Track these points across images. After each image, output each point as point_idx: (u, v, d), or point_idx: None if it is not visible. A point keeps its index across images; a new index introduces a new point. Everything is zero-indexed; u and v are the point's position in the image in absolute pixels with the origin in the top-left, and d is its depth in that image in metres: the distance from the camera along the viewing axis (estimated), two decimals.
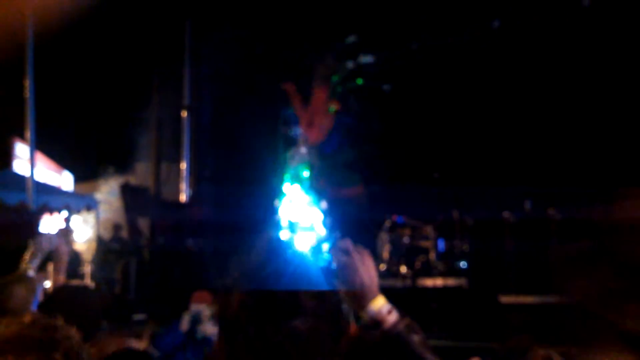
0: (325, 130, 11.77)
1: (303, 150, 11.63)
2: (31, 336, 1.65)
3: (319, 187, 11.26)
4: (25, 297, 3.35)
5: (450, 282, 10.09)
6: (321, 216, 10.26)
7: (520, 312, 8.62)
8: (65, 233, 4.37)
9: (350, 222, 11.37)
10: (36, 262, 4.02)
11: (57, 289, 3.32)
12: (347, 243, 1.65)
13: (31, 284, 3.50)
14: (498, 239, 9.62)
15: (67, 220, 12.81)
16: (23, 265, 3.90)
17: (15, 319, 1.72)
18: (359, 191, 12.46)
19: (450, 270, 10.45)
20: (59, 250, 3.99)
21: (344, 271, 1.60)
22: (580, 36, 10.76)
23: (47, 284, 4.45)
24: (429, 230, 10.89)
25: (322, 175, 11.69)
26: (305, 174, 11.36)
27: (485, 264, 9.83)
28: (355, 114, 12.21)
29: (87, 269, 13.45)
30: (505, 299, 8.96)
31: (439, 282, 10.18)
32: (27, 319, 1.72)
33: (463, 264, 10.45)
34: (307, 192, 10.75)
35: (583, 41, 10.71)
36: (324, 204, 10.16)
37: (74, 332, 1.74)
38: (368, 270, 1.63)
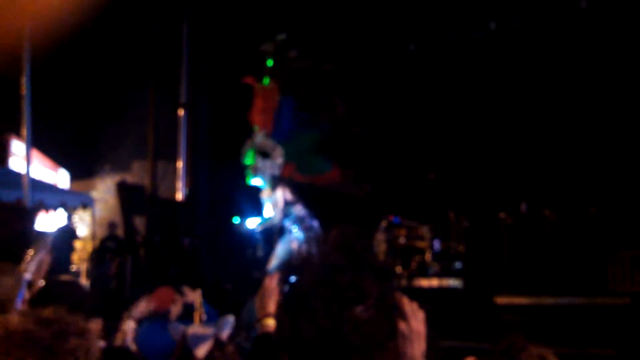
0: (272, 113, 11.62)
1: (257, 139, 11.41)
2: (38, 336, 1.59)
3: (284, 177, 10.98)
4: (13, 287, 3.33)
5: (446, 282, 10.11)
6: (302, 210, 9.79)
7: (515, 312, 8.65)
8: (47, 242, 4.31)
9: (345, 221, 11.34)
10: (33, 264, 4.01)
11: (47, 285, 3.31)
12: (404, 302, 1.56)
13: (18, 275, 3.48)
14: (493, 240, 9.65)
15: (70, 219, 12.81)
16: (22, 267, 3.89)
17: (22, 315, 1.66)
18: (335, 177, 12.30)
19: (446, 271, 10.46)
20: (41, 259, 3.90)
21: (398, 339, 1.51)
22: (577, 38, 10.78)
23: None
24: (425, 230, 10.89)
25: (288, 161, 11.51)
26: (250, 170, 11.08)
27: (481, 265, 9.86)
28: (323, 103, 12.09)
29: (83, 266, 13.45)
30: (500, 300, 8.98)
31: (434, 282, 10.20)
32: (37, 315, 1.65)
33: (458, 265, 10.47)
34: (269, 184, 10.26)
35: (579, 43, 10.73)
36: (287, 195, 9.51)
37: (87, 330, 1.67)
38: (420, 343, 1.54)
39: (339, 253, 1.39)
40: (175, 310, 5.35)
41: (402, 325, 1.50)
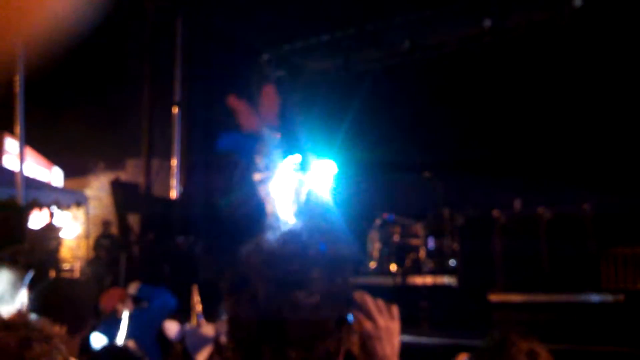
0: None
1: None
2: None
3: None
4: (16, 282, 3.34)
5: (440, 280, 10.12)
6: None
7: (509, 310, 8.67)
8: None
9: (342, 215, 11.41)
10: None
11: (49, 283, 3.31)
12: (368, 301, 1.46)
13: (19, 272, 3.49)
14: (487, 237, 9.65)
15: (52, 217, 12.76)
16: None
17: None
18: None
19: (440, 269, 10.47)
20: None
21: (366, 340, 1.45)
22: (571, 37, 10.80)
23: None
24: (419, 228, 10.90)
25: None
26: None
27: (475, 263, 9.86)
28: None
29: (77, 264, 13.43)
30: (494, 297, 9.00)
31: (428, 280, 10.21)
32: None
33: (452, 262, 10.47)
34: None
35: (573, 43, 10.76)
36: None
37: (54, 339, 1.65)
38: (392, 341, 1.47)
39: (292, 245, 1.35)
40: (123, 309, 5.39)
41: (367, 325, 1.45)
